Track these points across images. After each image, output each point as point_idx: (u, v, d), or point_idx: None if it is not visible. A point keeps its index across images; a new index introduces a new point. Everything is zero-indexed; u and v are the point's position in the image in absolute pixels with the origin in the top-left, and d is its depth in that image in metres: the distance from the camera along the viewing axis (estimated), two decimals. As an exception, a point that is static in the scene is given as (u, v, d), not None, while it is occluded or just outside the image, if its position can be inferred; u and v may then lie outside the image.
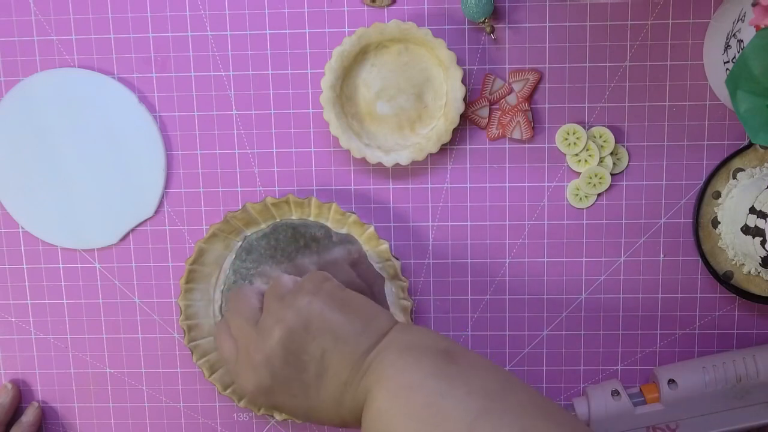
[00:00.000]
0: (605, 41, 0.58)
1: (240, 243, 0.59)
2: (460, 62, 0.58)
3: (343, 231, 0.59)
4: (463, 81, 0.58)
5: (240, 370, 0.49)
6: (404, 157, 0.57)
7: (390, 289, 0.59)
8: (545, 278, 0.61)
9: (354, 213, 0.58)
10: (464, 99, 0.56)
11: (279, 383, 0.47)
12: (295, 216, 0.59)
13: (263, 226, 0.59)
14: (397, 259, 0.59)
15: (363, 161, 0.60)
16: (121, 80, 0.60)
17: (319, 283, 0.49)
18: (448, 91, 0.57)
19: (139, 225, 0.62)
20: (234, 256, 0.59)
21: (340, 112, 0.57)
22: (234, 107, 0.60)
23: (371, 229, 0.58)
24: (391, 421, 0.42)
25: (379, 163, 0.60)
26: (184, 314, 0.59)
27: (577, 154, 0.58)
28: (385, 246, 0.58)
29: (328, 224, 0.59)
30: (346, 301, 0.48)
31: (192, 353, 0.60)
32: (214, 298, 0.60)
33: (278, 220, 0.59)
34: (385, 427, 0.42)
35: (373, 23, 0.56)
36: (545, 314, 0.61)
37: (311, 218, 0.59)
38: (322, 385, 0.47)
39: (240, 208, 0.59)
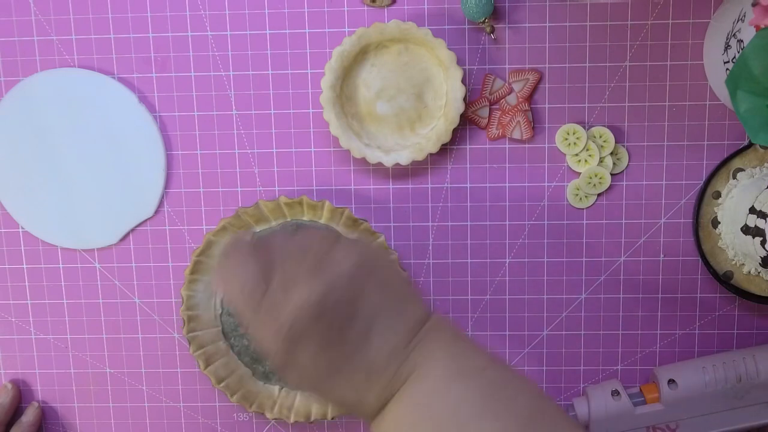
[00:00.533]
0: (605, 41, 0.58)
1: None
2: (460, 62, 0.58)
3: (353, 237, 0.59)
4: (463, 81, 0.58)
5: (272, 305, 0.41)
6: (404, 157, 0.57)
7: None
8: (545, 278, 0.61)
9: (366, 221, 0.58)
10: (464, 99, 0.56)
11: (318, 327, 0.40)
12: (306, 218, 0.59)
13: (273, 224, 0.59)
14: (404, 270, 0.59)
15: (363, 161, 0.60)
16: (121, 80, 0.60)
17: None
18: (448, 91, 0.57)
19: (139, 225, 0.62)
20: None
21: (340, 112, 0.57)
22: (234, 107, 0.60)
23: (381, 238, 0.58)
24: (445, 403, 0.39)
25: (379, 163, 0.59)
26: (186, 304, 0.59)
27: (577, 154, 0.58)
28: (393, 257, 0.58)
29: (339, 229, 0.59)
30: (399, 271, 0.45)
31: (189, 344, 0.60)
32: (216, 291, 0.61)
33: (289, 219, 0.59)
34: (435, 408, 0.39)
35: (373, 23, 0.56)
36: (545, 314, 0.61)
37: (322, 221, 0.59)
38: (362, 347, 0.41)
39: (253, 204, 0.59)
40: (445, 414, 0.39)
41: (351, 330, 0.41)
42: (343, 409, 0.43)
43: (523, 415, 0.39)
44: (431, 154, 0.59)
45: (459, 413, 0.38)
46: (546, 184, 0.59)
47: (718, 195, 0.57)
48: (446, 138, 0.57)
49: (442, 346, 0.41)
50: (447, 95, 0.57)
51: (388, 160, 0.57)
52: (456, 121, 0.56)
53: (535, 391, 0.41)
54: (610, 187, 0.59)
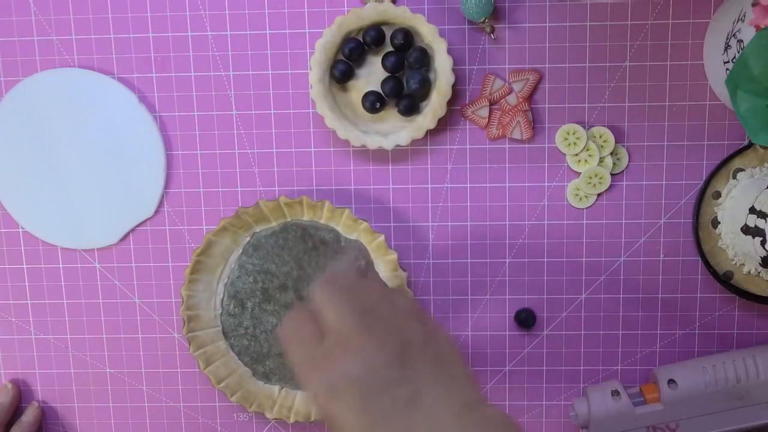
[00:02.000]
0: (605, 41, 0.58)
1: (248, 239, 0.60)
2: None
3: (353, 237, 0.59)
4: (449, 52, 0.58)
5: (323, 358, 0.42)
6: (403, 138, 0.57)
7: None
8: (545, 278, 0.61)
9: (366, 221, 0.58)
10: (453, 69, 0.56)
11: (363, 389, 0.41)
12: (306, 218, 0.59)
13: (274, 224, 0.60)
14: (404, 270, 0.59)
15: (363, 158, 0.60)
16: (121, 80, 0.60)
17: None
18: (435, 64, 0.56)
19: (139, 225, 0.62)
20: (241, 251, 0.60)
21: (333, 104, 0.57)
22: (234, 107, 0.60)
23: (381, 238, 0.58)
24: None
25: (381, 148, 0.59)
26: (186, 304, 0.59)
27: (577, 154, 0.58)
28: (393, 257, 0.58)
29: (339, 229, 0.59)
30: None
31: (189, 344, 0.60)
32: (216, 291, 0.61)
33: (289, 219, 0.59)
34: None
35: (350, 9, 0.56)
36: (545, 314, 0.61)
37: (322, 221, 0.59)
38: (406, 411, 0.41)
39: (253, 204, 0.59)
40: None
41: (396, 394, 0.41)
42: None
43: None
44: (431, 152, 0.59)
45: None
46: (546, 184, 0.59)
47: (718, 195, 0.57)
48: (441, 112, 0.57)
49: None
50: (435, 68, 0.57)
51: (388, 143, 0.57)
52: (449, 92, 0.56)
53: None
54: (610, 187, 0.59)
